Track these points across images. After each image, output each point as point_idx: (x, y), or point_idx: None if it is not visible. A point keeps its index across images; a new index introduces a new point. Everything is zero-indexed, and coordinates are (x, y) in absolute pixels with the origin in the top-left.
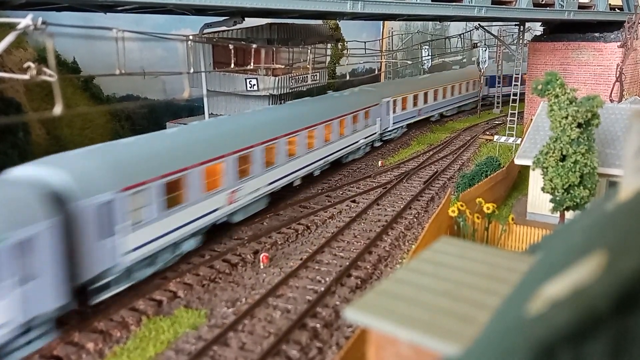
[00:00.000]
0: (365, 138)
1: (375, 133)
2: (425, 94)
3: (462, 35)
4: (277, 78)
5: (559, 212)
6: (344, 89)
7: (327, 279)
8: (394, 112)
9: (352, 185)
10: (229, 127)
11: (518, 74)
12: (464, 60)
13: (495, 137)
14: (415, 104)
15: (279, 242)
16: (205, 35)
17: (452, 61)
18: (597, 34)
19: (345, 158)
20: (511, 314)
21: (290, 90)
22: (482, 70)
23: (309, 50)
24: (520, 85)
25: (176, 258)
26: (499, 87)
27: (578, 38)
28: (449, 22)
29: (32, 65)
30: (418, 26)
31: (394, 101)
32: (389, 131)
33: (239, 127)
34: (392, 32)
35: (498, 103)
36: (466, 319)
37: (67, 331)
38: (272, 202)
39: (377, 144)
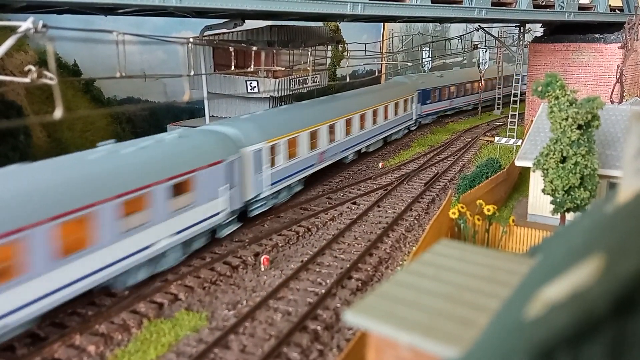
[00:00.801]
0: (188, 228)
1: (218, 214)
2: (332, 127)
3: (462, 37)
4: (277, 80)
5: (559, 214)
6: (345, 90)
7: (328, 281)
8: (273, 165)
9: (352, 187)
10: None
11: (519, 75)
12: (465, 61)
13: (496, 138)
14: (314, 146)
15: (280, 245)
16: (205, 38)
17: (453, 62)
18: (597, 35)
19: (136, 273)
20: (511, 317)
21: (291, 92)
22: (482, 72)
23: (309, 52)
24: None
25: None
26: (430, 103)
27: (578, 39)
28: (449, 24)
29: (32, 68)
30: (418, 28)
31: (272, 147)
32: (263, 199)
33: None
34: (392, 33)
35: (499, 104)
36: (466, 321)
37: (68, 334)
38: (272, 204)
39: (225, 232)
